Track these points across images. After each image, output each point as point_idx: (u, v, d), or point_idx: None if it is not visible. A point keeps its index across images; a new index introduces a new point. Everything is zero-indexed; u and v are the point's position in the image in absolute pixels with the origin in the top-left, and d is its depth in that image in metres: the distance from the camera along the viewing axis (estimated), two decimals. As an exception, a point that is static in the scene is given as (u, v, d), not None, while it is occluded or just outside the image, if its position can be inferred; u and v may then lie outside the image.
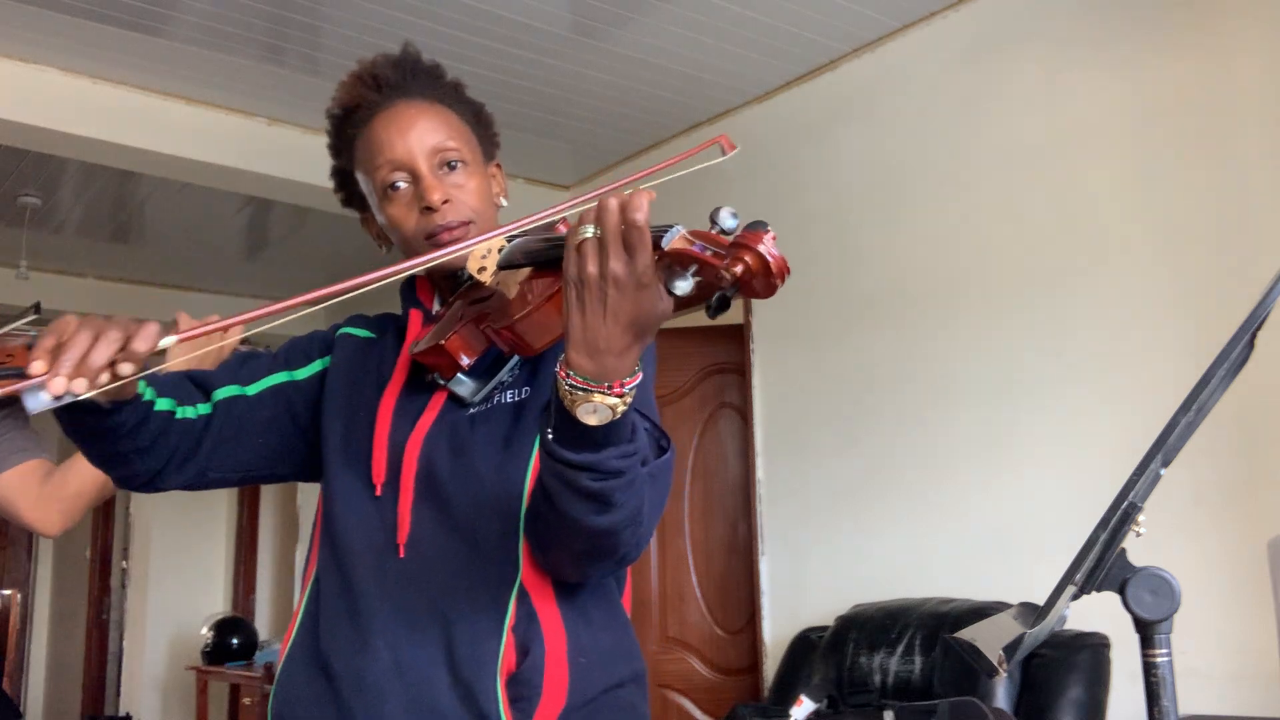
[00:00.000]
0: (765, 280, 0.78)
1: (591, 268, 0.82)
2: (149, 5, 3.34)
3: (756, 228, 0.79)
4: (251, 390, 1.22)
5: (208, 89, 3.91)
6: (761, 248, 0.77)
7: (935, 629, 2.84)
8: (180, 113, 3.97)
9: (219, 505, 7.72)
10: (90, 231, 5.42)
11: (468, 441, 1.12)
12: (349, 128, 1.24)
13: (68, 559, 8.43)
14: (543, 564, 1.06)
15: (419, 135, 1.19)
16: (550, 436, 0.90)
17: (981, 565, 3.08)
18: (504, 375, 1.15)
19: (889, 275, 3.47)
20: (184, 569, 7.40)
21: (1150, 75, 2.87)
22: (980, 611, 2.75)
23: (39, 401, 0.87)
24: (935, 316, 3.32)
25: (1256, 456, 2.55)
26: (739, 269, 0.77)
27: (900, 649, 2.88)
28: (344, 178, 1.29)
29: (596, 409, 0.86)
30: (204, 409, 1.18)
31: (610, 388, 0.86)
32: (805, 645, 3.28)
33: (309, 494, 6.84)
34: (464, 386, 1.15)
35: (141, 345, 0.90)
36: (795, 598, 3.66)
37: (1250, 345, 0.88)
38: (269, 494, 7.72)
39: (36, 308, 2.12)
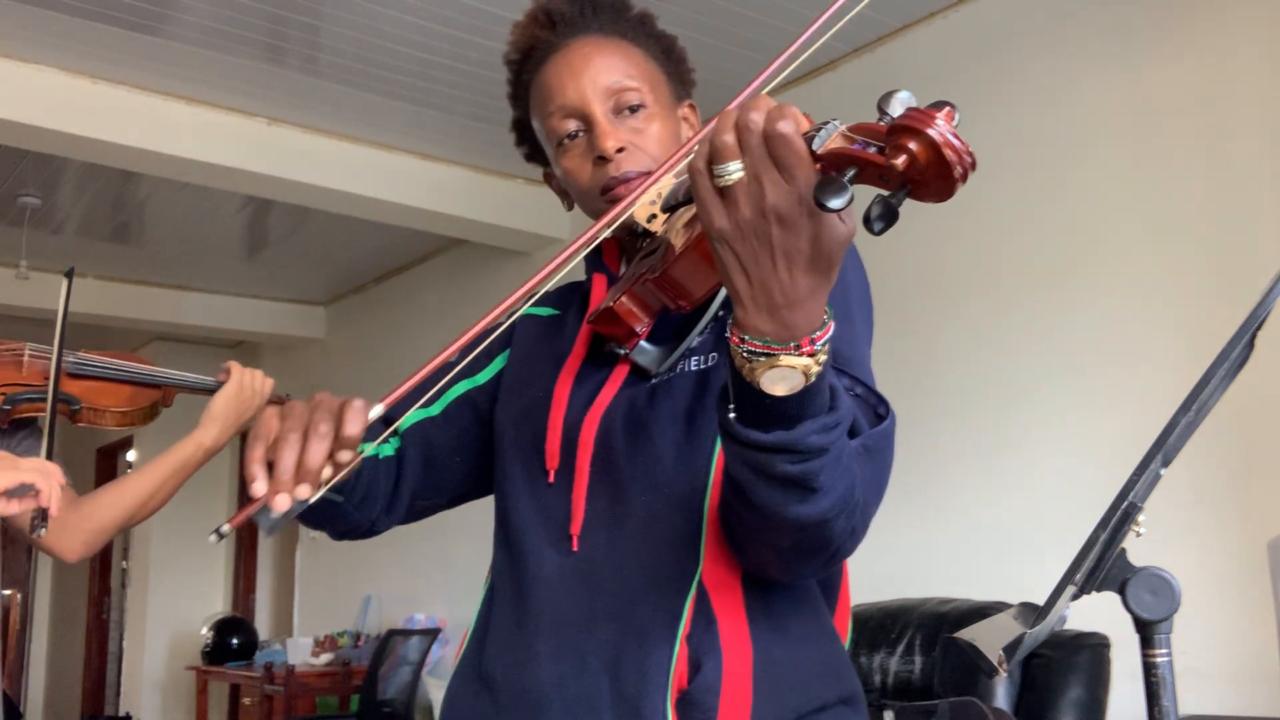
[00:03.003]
0: (940, 176, 0.59)
1: (746, 211, 0.67)
2: (149, 5, 3.34)
3: (931, 107, 0.61)
4: (436, 409, 1.12)
5: (208, 89, 3.91)
6: (932, 131, 0.59)
7: (935, 629, 2.83)
8: (180, 113, 3.97)
9: (219, 505, 7.71)
10: (90, 231, 5.42)
11: (645, 417, 0.97)
12: (524, 72, 1.12)
13: (68, 559, 8.43)
14: (745, 565, 0.92)
15: (593, 75, 1.05)
16: (732, 417, 0.75)
17: (981, 565, 3.08)
18: (692, 339, 0.99)
19: (887, 274, 3.46)
20: (184, 569, 7.40)
21: (1150, 75, 2.87)
22: (980, 611, 2.75)
23: (271, 520, 0.78)
24: (936, 315, 3.31)
25: (1256, 457, 2.55)
26: (901, 160, 0.59)
27: (900, 649, 2.88)
28: (523, 130, 1.16)
29: (784, 375, 0.70)
30: (394, 443, 1.09)
31: (798, 347, 0.70)
32: (805, 645, 3.27)
33: (309, 494, 6.84)
34: (646, 355, 0.99)
35: (354, 428, 0.80)
36: (795, 598, 3.66)
37: (1250, 345, 0.88)
38: (269, 494, 7.72)
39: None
